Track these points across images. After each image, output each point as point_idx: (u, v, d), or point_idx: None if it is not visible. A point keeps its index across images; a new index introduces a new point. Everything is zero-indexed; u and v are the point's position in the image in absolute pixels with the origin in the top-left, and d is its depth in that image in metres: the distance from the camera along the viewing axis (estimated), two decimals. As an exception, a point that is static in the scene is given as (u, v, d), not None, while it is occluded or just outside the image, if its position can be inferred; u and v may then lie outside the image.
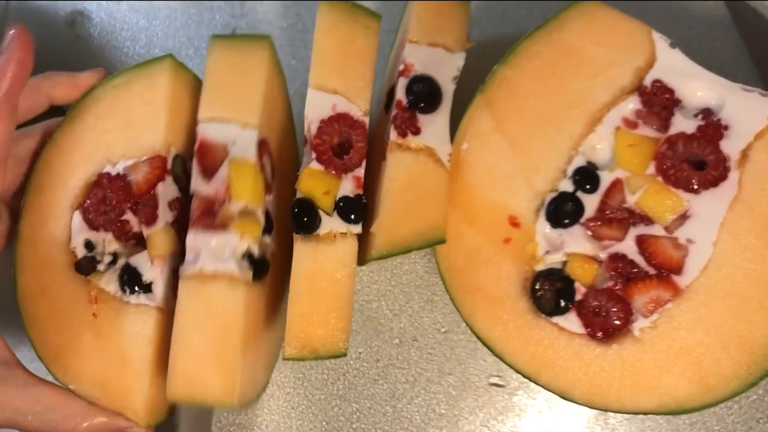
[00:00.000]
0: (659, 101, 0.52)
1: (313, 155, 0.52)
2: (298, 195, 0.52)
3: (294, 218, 0.51)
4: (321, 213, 0.52)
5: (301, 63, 0.72)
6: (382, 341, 0.64)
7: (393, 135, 0.53)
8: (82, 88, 0.56)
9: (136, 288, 0.54)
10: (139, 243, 0.55)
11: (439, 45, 0.54)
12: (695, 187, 0.51)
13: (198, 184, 0.52)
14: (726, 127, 0.51)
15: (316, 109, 0.53)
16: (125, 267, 0.54)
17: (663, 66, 0.52)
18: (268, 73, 0.53)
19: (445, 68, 0.54)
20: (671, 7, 0.67)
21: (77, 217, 0.55)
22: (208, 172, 0.52)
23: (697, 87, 0.51)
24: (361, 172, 0.53)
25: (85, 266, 0.55)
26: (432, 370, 0.63)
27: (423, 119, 0.53)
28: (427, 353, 0.64)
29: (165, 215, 0.55)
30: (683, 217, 0.51)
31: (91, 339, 0.54)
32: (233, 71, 0.53)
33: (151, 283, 0.54)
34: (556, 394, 0.52)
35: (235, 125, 0.52)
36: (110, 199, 0.55)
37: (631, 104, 0.53)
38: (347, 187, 0.53)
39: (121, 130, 0.55)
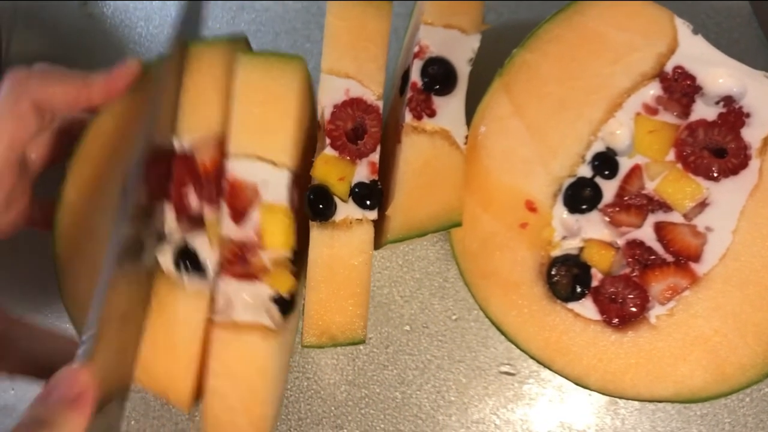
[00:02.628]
0: (680, 88, 0.52)
1: (327, 141, 0.52)
2: (314, 182, 0.51)
3: (310, 205, 0.51)
4: (336, 199, 0.51)
5: (316, 46, 0.71)
6: (392, 327, 0.64)
7: (408, 117, 0.52)
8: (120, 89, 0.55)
9: (191, 268, 0.52)
10: (195, 223, 0.54)
11: (454, 27, 0.54)
12: (715, 174, 0.50)
13: (228, 228, 0.51)
14: (747, 115, 0.50)
15: (329, 94, 0.52)
16: (183, 245, 0.53)
17: (685, 52, 0.52)
18: (300, 99, 0.52)
19: (461, 50, 0.54)
20: (690, -4, 0.67)
21: None
22: (239, 215, 0.51)
23: (719, 74, 0.51)
24: (375, 157, 0.52)
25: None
26: (442, 357, 0.63)
27: (438, 101, 0.53)
28: (438, 340, 0.63)
29: None
30: (702, 205, 0.51)
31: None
32: (265, 99, 0.51)
33: (208, 265, 0.52)
34: (569, 380, 0.52)
35: (267, 165, 0.51)
36: (176, 176, 0.53)
37: (652, 90, 0.52)
38: (362, 172, 0.52)
39: (192, 105, 0.54)
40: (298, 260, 0.56)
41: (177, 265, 0.52)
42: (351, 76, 0.52)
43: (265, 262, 0.51)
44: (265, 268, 0.51)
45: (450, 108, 0.53)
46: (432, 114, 0.53)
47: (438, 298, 0.64)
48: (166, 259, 0.53)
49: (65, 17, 0.73)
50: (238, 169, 0.51)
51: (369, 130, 0.52)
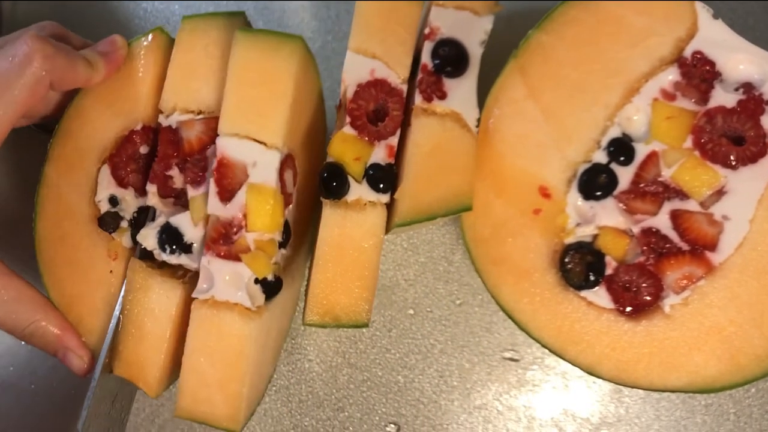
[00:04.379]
0: (699, 73, 0.51)
1: (348, 120, 0.51)
2: (328, 159, 0.51)
3: (323, 183, 0.50)
4: (350, 179, 0.50)
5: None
6: (395, 311, 0.63)
7: (418, 99, 0.52)
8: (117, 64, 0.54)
9: (175, 247, 0.52)
10: (178, 202, 0.53)
11: (466, 8, 0.53)
12: (733, 162, 0.50)
13: (215, 207, 0.50)
14: (767, 102, 0.50)
15: (354, 72, 0.51)
16: (165, 225, 0.52)
17: (704, 37, 0.51)
18: (297, 81, 0.51)
19: (473, 32, 0.53)
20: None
21: (105, 170, 0.54)
22: (226, 194, 0.50)
23: (740, 60, 0.50)
24: (394, 140, 0.52)
25: (109, 222, 0.53)
26: (445, 342, 0.62)
27: (449, 83, 0.52)
28: (442, 324, 0.63)
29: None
30: (719, 193, 0.50)
31: (106, 297, 0.53)
32: (259, 79, 0.50)
33: (191, 244, 0.52)
34: (582, 369, 0.51)
35: (257, 145, 0.50)
36: (160, 153, 0.53)
37: (670, 75, 0.51)
38: (379, 154, 0.51)
39: (182, 80, 0.53)
40: (296, 240, 0.55)
41: (160, 243, 0.52)
42: (378, 57, 0.51)
43: (249, 243, 0.50)
44: (248, 249, 0.50)
45: (461, 90, 0.52)
46: (443, 96, 0.52)
47: (442, 282, 0.63)
48: (148, 237, 0.52)
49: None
50: (228, 147, 0.50)
51: (391, 113, 0.51)
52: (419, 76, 0.52)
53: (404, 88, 0.52)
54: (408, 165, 0.51)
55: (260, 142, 0.50)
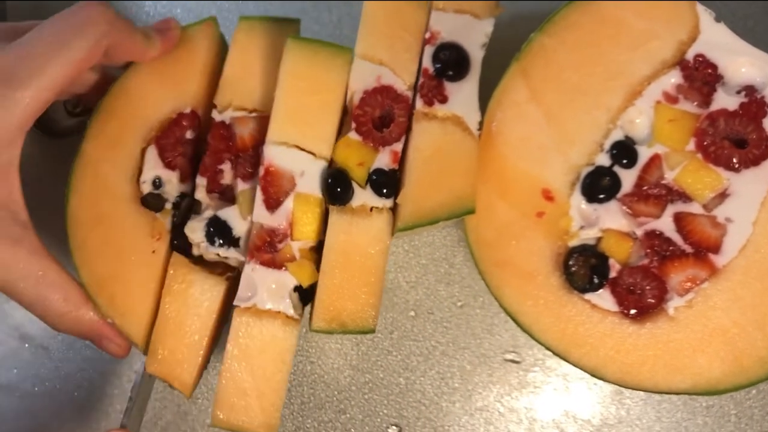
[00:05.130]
0: (701, 76, 0.51)
1: (353, 125, 0.51)
2: (335, 165, 0.51)
3: (327, 189, 0.50)
4: (354, 185, 0.51)
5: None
6: (397, 313, 0.63)
7: (419, 104, 0.52)
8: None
9: (224, 241, 0.52)
10: (223, 197, 0.53)
11: (466, 11, 0.53)
12: (736, 165, 0.50)
13: (260, 215, 0.50)
14: (769, 105, 0.50)
15: (361, 79, 0.51)
16: (213, 218, 0.52)
17: (706, 40, 0.51)
18: (344, 90, 0.51)
19: (473, 35, 0.53)
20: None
21: (152, 151, 0.53)
22: (272, 203, 0.50)
23: (742, 63, 0.50)
24: (399, 146, 0.52)
25: (153, 202, 0.53)
26: (447, 344, 0.62)
27: (450, 87, 0.52)
28: (443, 326, 0.62)
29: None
30: (722, 196, 0.50)
31: (146, 278, 0.52)
32: (310, 89, 0.50)
33: (239, 238, 0.52)
34: (586, 372, 0.51)
35: (305, 155, 0.50)
36: (212, 147, 0.53)
37: (673, 78, 0.51)
38: (383, 160, 0.51)
39: (238, 78, 0.53)
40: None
41: (208, 236, 0.52)
42: (384, 63, 0.52)
43: (294, 251, 0.50)
44: (293, 258, 0.50)
45: (463, 94, 0.52)
46: (444, 100, 0.52)
47: (444, 284, 0.63)
48: (196, 230, 0.52)
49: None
50: (276, 156, 0.50)
51: (396, 119, 0.52)
52: (420, 80, 0.52)
53: (410, 94, 0.52)
54: (409, 169, 0.51)
55: (308, 152, 0.50)
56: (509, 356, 0.62)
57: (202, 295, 0.52)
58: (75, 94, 0.55)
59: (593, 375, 0.51)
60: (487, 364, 0.62)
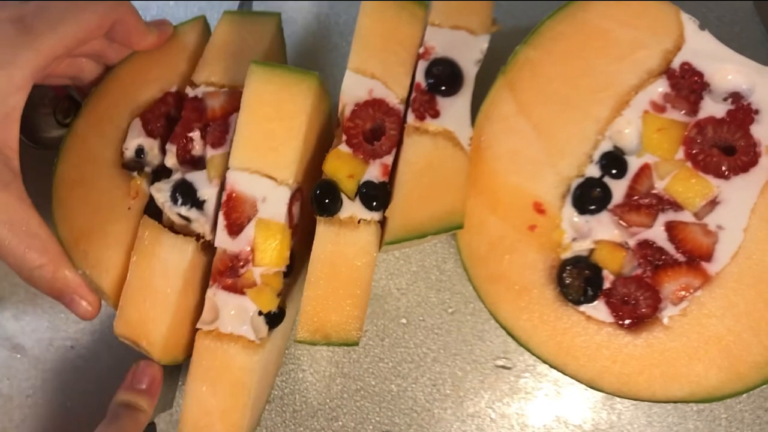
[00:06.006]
0: (688, 84, 0.51)
1: (344, 138, 0.51)
2: (323, 177, 0.51)
3: (316, 200, 0.50)
4: (343, 197, 0.50)
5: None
6: (388, 320, 0.63)
7: (410, 118, 0.52)
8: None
9: (187, 200, 0.52)
10: (195, 167, 0.54)
11: (462, 27, 0.53)
12: (725, 172, 0.50)
13: (223, 240, 0.51)
14: (756, 112, 0.50)
15: (352, 92, 0.51)
16: (180, 180, 0.53)
17: (692, 48, 0.51)
18: (310, 117, 0.51)
19: (468, 51, 0.53)
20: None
21: (137, 122, 0.55)
22: (235, 228, 0.50)
23: (727, 70, 0.50)
24: (389, 159, 0.51)
25: (133, 165, 0.55)
26: (438, 350, 0.62)
27: (443, 102, 0.52)
28: (434, 333, 0.63)
29: (230, 144, 0.53)
30: (713, 203, 0.50)
31: (120, 233, 0.53)
32: (274, 114, 0.50)
33: (204, 201, 0.52)
34: (583, 383, 0.51)
35: (268, 181, 0.50)
36: (184, 117, 0.54)
37: (659, 87, 0.51)
38: (373, 173, 0.51)
39: (215, 59, 0.55)
40: (298, 265, 0.55)
41: (172, 196, 0.52)
42: (377, 77, 0.52)
43: (255, 277, 0.51)
44: (255, 284, 0.50)
45: (455, 109, 0.52)
46: (435, 115, 0.52)
47: (434, 290, 0.63)
48: (161, 190, 0.52)
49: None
50: (238, 181, 0.50)
51: (387, 132, 0.52)
52: (413, 95, 0.52)
53: (401, 108, 0.52)
54: (399, 183, 0.51)
55: (271, 178, 0.50)
56: (500, 362, 0.62)
57: (169, 254, 0.52)
58: (79, 84, 0.57)
59: (590, 386, 0.51)
60: (478, 371, 0.62)
